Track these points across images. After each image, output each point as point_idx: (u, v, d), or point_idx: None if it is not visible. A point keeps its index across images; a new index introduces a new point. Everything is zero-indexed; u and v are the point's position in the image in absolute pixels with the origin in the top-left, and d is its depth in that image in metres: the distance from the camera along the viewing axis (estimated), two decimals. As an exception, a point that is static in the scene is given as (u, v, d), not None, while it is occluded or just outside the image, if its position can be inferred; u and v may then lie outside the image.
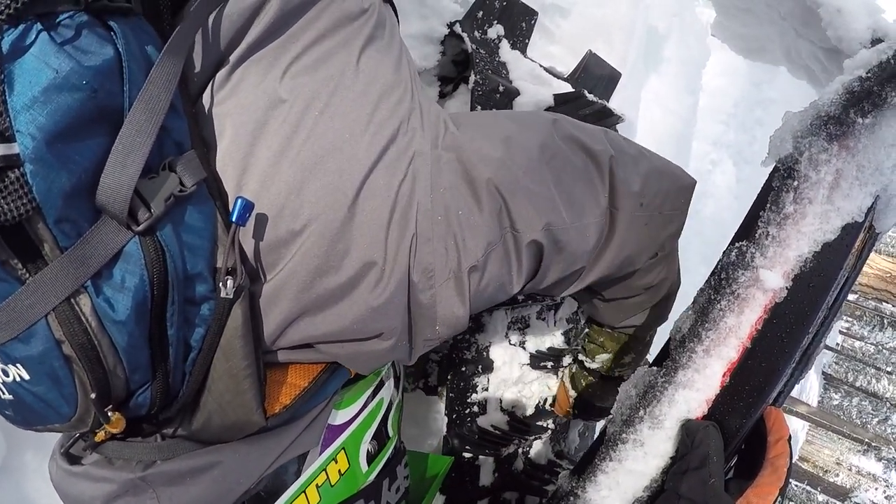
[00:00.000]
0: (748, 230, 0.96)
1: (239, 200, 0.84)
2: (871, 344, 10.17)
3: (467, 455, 1.61)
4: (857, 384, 10.15)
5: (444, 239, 0.98)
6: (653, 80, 3.31)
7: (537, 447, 1.75)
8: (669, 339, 1.02)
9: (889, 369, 9.94)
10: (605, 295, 1.43)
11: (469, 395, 1.60)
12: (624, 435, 0.98)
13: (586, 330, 1.59)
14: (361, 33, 0.99)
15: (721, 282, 0.96)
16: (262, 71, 0.91)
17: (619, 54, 2.53)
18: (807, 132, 0.93)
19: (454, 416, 1.58)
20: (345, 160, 0.93)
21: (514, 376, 1.65)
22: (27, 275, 0.74)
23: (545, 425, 1.67)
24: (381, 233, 0.94)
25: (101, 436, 0.88)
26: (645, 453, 0.96)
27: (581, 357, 1.62)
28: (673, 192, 1.27)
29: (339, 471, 1.10)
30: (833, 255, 0.93)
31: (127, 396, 0.84)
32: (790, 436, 0.95)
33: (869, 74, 0.91)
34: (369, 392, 1.17)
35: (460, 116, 1.12)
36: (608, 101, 1.90)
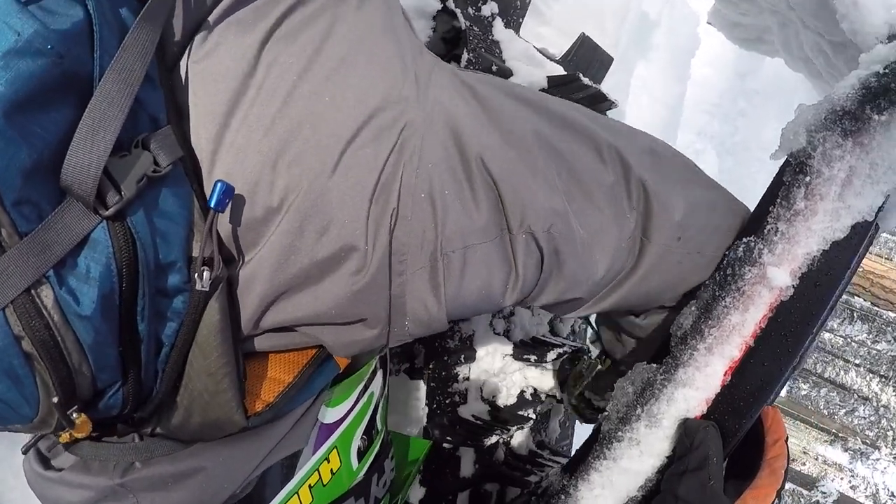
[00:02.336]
0: (757, 225, 0.94)
1: (218, 185, 0.77)
2: (840, 336, 10.32)
3: (447, 446, 1.58)
4: (826, 375, 10.31)
5: (423, 220, 0.87)
6: (641, 67, 3.28)
7: (518, 438, 1.73)
8: (670, 335, 0.99)
9: (857, 362, 10.10)
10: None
11: (450, 384, 1.57)
12: (619, 433, 0.96)
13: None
14: (346, 2, 0.91)
15: (727, 278, 0.93)
16: (240, 34, 0.83)
17: (610, 38, 2.50)
18: (821, 126, 0.90)
19: (435, 405, 1.55)
20: (324, 129, 0.84)
21: (497, 367, 1.63)
22: None
23: (526, 415, 1.65)
24: (362, 209, 0.84)
25: (65, 437, 0.80)
26: (641, 452, 0.94)
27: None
28: (723, 229, 1.03)
29: (332, 470, 1.06)
30: (841, 254, 0.91)
31: (95, 396, 0.77)
32: (787, 437, 0.93)
33: (886, 70, 0.88)
34: (360, 387, 1.12)
35: (474, 83, 0.98)
36: (600, 86, 1.86)
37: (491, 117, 0.93)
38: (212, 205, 0.77)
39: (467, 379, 1.61)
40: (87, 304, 0.71)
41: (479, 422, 1.57)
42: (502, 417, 1.61)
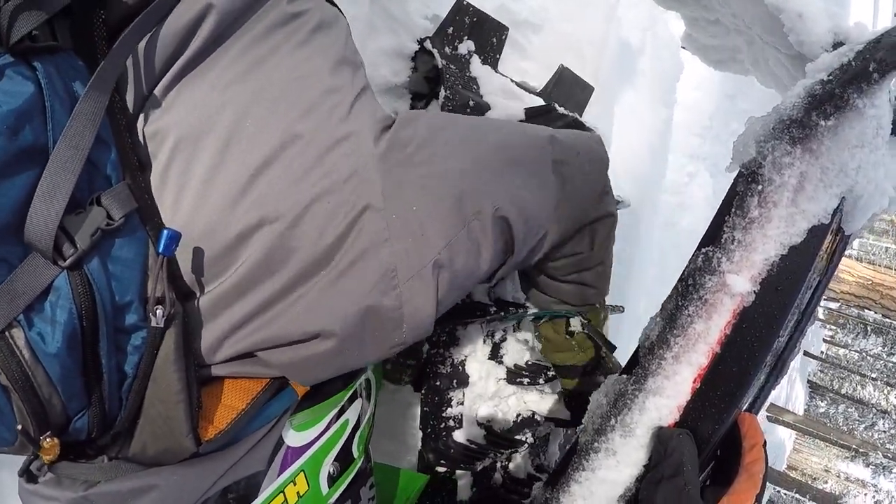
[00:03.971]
0: (714, 235, 0.96)
1: (164, 233, 0.86)
2: (856, 351, 10.24)
3: (442, 470, 1.59)
4: (843, 391, 10.20)
5: (402, 237, 0.97)
6: (627, 94, 3.33)
7: (516, 461, 1.74)
8: (638, 346, 1.01)
9: (874, 375, 10.00)
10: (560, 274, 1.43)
11: (444, 409, 1.59)
12: (596, 444, 0.97)
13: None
14: (294, 38, 0.99)
15: (688, 288, 0.96)
16: (195, 86, 0.92)
17: (591, 68, 2.55)
18: (769, 136, 0.93)
19: (429, 430, 1.57)
20: (280, 171, 0.93)
21: (491, 391, 1.64)
22: None
23: (524, 439, 1.66)
24: (326, 237, 0.95)
25: (47, 459, 0.89)
26: (618, 462, 0.95)
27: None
28: (594, 158, 1.34)
29: (298, 493, 1.09)
30: (800, 258, 0.93)
31: (66, 422, 0.86)
32: (765, 441, 0.95)
33: (830, 77, 0.91)
34: (333, 413, 1.16)
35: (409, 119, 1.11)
36: (581, 115, 1.90)
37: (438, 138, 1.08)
38: (160, 250, 0.87)
39: (461, 404, 1.62)
40: (53, 344, 0.80)
41: (474, 446, 1.58)
42: (498, 441, 1.62)
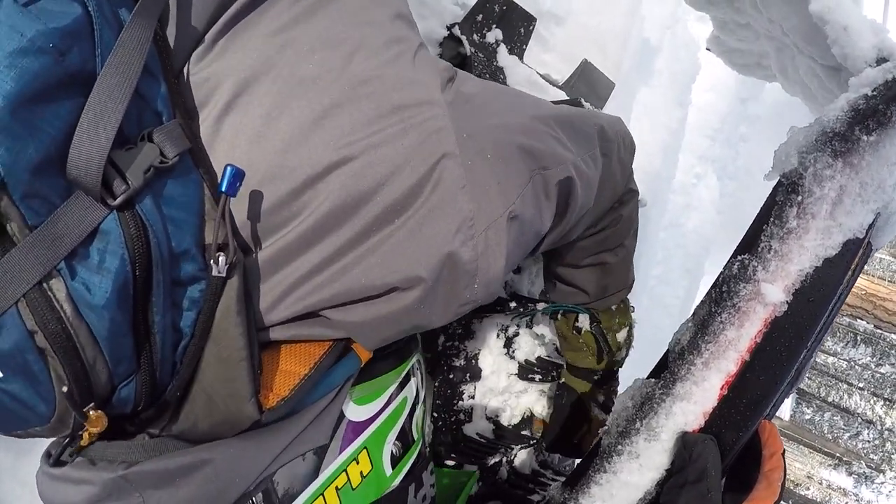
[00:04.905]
0: (751, 244, 0.96)
1: (228, 168, 0.78)
2: (844, 360, 10.26)
3: (451, 463, 1.59)
4: (830, 399, 10.23)
5: (478, 184, 0.91)
6: (643, 92, 3.32)
7: (521, 457, 1.74)
8: (668, 350, 1.01)
9: (861, 385, 10.03)
10: (579, 259, 1.42)
11: (456, 402, 1.58)
12: (619, 446, 0.98)
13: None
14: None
15: (722, 294, 0.96)
16: (249, 33, 0.86)
17: (612, 64, 2.54)
18: (812, 148, 0.93)
19: (440, 423, 1.57)
20: (351, 112, 0.86)
21: (502, 385, 1.64)
22: None
23: (529, 434, 1.66)
24: (403, 181, 0.86)
25: (86, 438, 0.78)
26: (640, 465, 0.95)
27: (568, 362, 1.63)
28: (628, 144, 1.35)
29: (361, 472, 1.01)
30: (833, 271, 0.93)
31: (111, 392, 0.76)
32: (784, 450, 0.95)
33: (874, 93, 0.91)
34: (393, 388, 1.09)
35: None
36: (602, 110, 1.90)
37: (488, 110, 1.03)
38: (223, 189, 0.78)
39: (472, 397, 1.62)
40: (101, 295, 0.71)
41: (483, 440, 1.59)
42: (506, 436, 1.63)
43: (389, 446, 1.06)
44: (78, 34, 0.70)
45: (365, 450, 1.01)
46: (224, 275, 0.78)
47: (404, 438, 1.10)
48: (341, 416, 0.99)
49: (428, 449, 1.26)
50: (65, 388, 0.71)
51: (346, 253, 0.86)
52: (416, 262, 0.87)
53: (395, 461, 1.07)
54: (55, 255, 0.68)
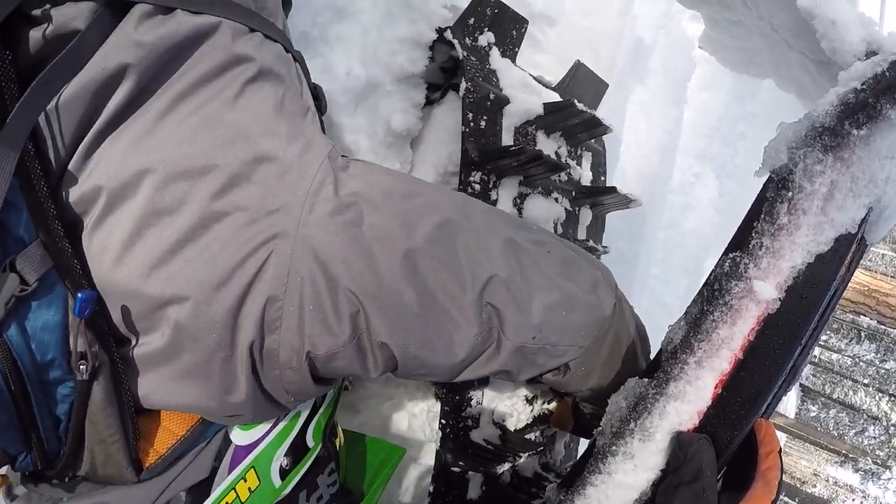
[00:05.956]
0: (742, 241, 0.95)
1: (78, 296, 0.86)
2: (849, 356, 10.25)
3: (457, 470, 1.58)
4: (835, 396, 10.22)
5: (291, 330, 0.93)
6: (638, 92, 3.31)
7: (524, 459, 1.73)
8: (661, 350, 1.00)
9: (866, 381, 10.02)
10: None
11: (464, 408, 1.57)
12: (614, 447, 0.97)
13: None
14: (224, 94, 0.95)
15: (714, 293, 0.95)
16: (116, 146, 0.89)
17: (605, 65, 2.53)
18: (801, 143, 0.92)
19: (448, 430, 1.55)
20: (196, 252, 0.90)
21: (508, 391, 1.63)
22: None
23: (535, 440, 1.65)
24: (228, 318, 0.91)
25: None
26: (635, 466, 0.95)
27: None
28: (581, 326, 1.07)
29: (249, 488, 1.12)
30: (826, 267, 0.92)
31: (12, 462, 0.92)
32: (780, 448, 0.94)
33: (864, 86, 0.90)
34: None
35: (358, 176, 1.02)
36: (595, 111, 1.89)
37: (361, 251, 0.95)
38: (76, 313, 0.87)
39: (480, 403, 1.61)
40: None
41: (490, 447, 1.57)
42: (512, 442, 1.61)
43: (278, 461, 1.17)
44: None
45: (252, 469, 1.13)
46: (86, 378, 0.90)
47: (296, 450, 1.20)
48: (227, 441, 1.13)
49: (330, 448, 1.33)
50: None
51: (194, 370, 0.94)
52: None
53: (285, 473, 1.19)
54: None
